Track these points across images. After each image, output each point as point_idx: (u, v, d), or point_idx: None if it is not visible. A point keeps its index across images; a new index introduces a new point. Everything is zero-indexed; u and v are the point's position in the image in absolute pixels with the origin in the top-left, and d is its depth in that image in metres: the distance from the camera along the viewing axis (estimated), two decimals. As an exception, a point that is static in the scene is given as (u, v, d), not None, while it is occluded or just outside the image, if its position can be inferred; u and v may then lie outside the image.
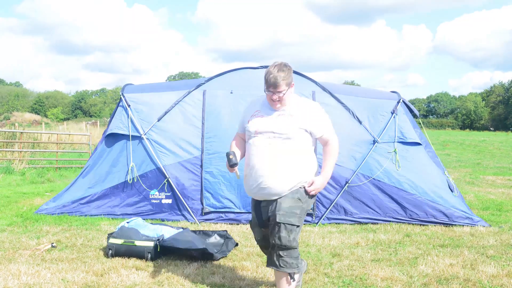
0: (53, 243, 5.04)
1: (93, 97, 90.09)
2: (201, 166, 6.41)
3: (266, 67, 6.71)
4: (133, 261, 4.52)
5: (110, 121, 6.89)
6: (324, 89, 6.68)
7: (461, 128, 70.73)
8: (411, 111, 6.94)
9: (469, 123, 73.88)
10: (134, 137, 6.58)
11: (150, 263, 4.48)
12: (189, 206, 6.34)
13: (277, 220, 3.25)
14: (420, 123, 7.27)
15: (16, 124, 27.78)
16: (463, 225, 6.30)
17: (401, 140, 6.57)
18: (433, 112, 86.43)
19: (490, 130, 68.18)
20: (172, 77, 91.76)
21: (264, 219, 3.46)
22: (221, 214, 6.39)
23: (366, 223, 6.33)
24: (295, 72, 6.70)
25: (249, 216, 6.37)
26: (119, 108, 6.79)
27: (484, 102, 74.79)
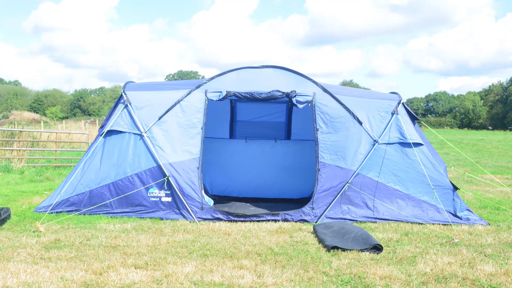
0: None
1: (92, 95, 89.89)
2: (201, 164, 6.40)
3: (266, 66, 6.72)
4: (132, 260, 4.52)
5: (108, 118, 6.85)
6: (325, 90, 6.67)
7: (459, 127, 70.75)
8: (409, 113, 6.94)
9: (467, 122, 73.91)
10: (134, 135, 6.57)
11: (149, 262, 4.48)
12: (188, 205, 6.34)
13: None
14: (419, 123, 7.25)
15: (15, 123, 27.74)
16: (461, 224, 6.32)
17: (401, 140, 6.56)
18: (431, 111, 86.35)
19: (488, 129, 68.26)
20: (171, 76, 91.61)
21: None
22: (220, 215, 6.39)
23: (364, 222, 6.34)
24: (297, 73, 6.74)
25: (250, 219, 6.37)
26: (119, 105, 6.77)
27: (482, 101, 74.80)
